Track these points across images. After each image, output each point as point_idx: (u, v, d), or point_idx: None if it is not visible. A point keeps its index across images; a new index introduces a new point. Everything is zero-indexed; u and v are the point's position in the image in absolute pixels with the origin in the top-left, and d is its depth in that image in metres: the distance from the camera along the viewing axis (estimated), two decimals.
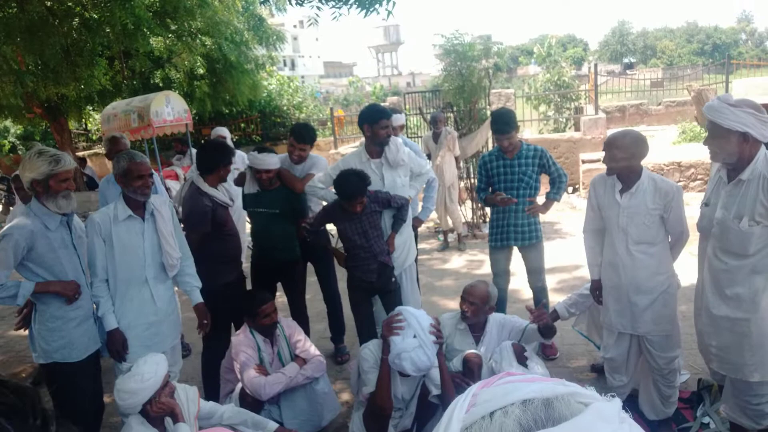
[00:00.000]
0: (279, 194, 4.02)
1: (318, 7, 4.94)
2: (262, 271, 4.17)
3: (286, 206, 4.01)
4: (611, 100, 15.88)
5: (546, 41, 19.85)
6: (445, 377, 2.91)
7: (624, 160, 2.88)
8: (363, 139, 4.04)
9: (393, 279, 3.81)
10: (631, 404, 3.34)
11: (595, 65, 13.40)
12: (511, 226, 4.13)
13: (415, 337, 2.82)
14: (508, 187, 4.08)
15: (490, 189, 4.21)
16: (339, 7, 4.81)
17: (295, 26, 59.76)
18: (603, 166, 3.00)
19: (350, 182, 3.45)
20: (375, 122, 3.75)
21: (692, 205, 7.66)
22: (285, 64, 54.82)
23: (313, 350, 3.54)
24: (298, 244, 4.15)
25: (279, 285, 4.29)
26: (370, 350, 3.11)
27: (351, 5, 4.72)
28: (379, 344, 3.00)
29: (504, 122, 4.03)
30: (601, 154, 3.04)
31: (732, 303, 2.56)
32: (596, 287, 3.29)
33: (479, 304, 3.33)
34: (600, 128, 10.78)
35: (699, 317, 2.77)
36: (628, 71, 39.00)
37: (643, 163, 3.02)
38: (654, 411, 3.16)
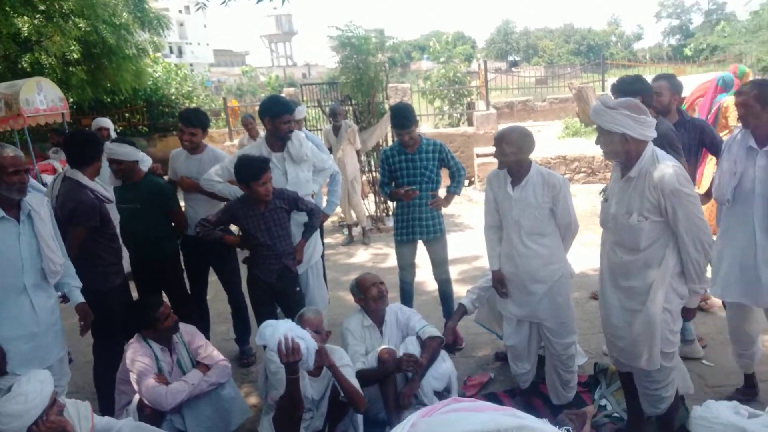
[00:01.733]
0: (140, 188, 3.77)
1: None
2: (140, 272, 3.95)
3: (147, 201, 3.77)
4: (500, 97, 16.58)
5: (442, 38, 20.34)
6: (339, 376, 2.88)
7: (513, 154, 3.03)
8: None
9: (297, 288, 3.71)
10: (536, 390, 3.50)
11: (485, 62, 13.92)
12: (415, 220, 4.18)
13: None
14: (411, 181, 4.12)
15: (393, 183, 4.23)
16: None
17: (180, 11, 56.87)
18: (496, 160, 3.14)
19: (252, 159, 3.41)
20: (277, 116, 3.64)
21: (578, 197, 8.20)
22: (171, 51, 52.01)
23: (216, 355, 3.36)
24: (173, 240, 3.99)
25: None
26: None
27: None
28: None
29: (403, 117, 4.06)
30: (494, 149, 3.16)
31: (626, 295, 2.70)
32: (497, 278, 3.33)
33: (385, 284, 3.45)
34: (491, 123, 11.24)
35: (601, 307, 2.93)
36: (513, 69, 41.08)
37: (532, 156, 3.17)
38: (557, 396, 3.33)
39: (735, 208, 3.07)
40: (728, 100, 5.29)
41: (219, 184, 3.75)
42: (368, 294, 3.39)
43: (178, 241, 4.08)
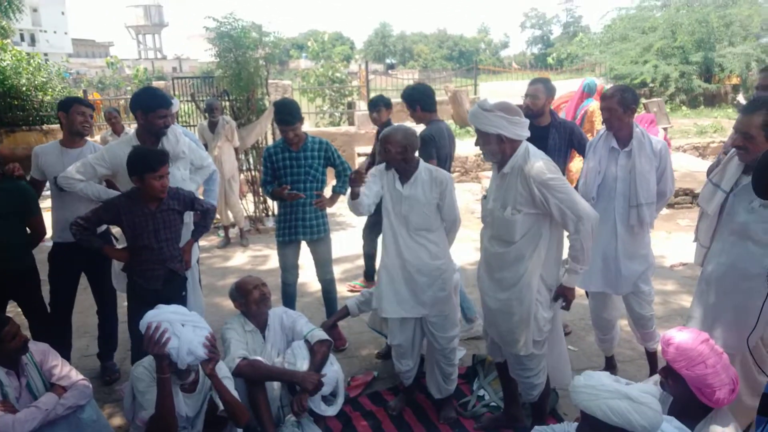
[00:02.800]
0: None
1: None
2: None
3: (8, 207, 3.36)
4: None
5: (319, 37, 20.18)
6: (221, 388, 2.69)
7: (399, 153, 3.07)
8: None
9: (184, 293, 3.43)
10: (419, 386, 3.53)
11: (366, 63, 14.08)
12: (299, 220, 4.06)
13: (183, 325, 2.63)
14: (295, 180, 3.99)
15: (276, 182, 4.07)
16: None
17: None
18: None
19: (150, 150, 3.15)
20: (151, 110, 3.33)
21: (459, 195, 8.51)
22: (23, 39, 47.01)
23: (75, 374, 2.99)
24: (30, 249, 3.57)
25: None
26: (144, 368, 2.75)
27: None
28: (153, 362, 2.66)
29: (288, 113, 3.93)
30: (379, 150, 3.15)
31: (500, 285, 2.82)
32: None
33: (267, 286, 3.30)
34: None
35: (481, 298, 3.03)
36: (390, 71, 41.99)
37: None
38: (439, 390, 3.38)
39: (599, 205, 3.30)
40: (594, 105, 5.69)
41: (80, 183, 3.36)
42: (250, 297, 3.22)
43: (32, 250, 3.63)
